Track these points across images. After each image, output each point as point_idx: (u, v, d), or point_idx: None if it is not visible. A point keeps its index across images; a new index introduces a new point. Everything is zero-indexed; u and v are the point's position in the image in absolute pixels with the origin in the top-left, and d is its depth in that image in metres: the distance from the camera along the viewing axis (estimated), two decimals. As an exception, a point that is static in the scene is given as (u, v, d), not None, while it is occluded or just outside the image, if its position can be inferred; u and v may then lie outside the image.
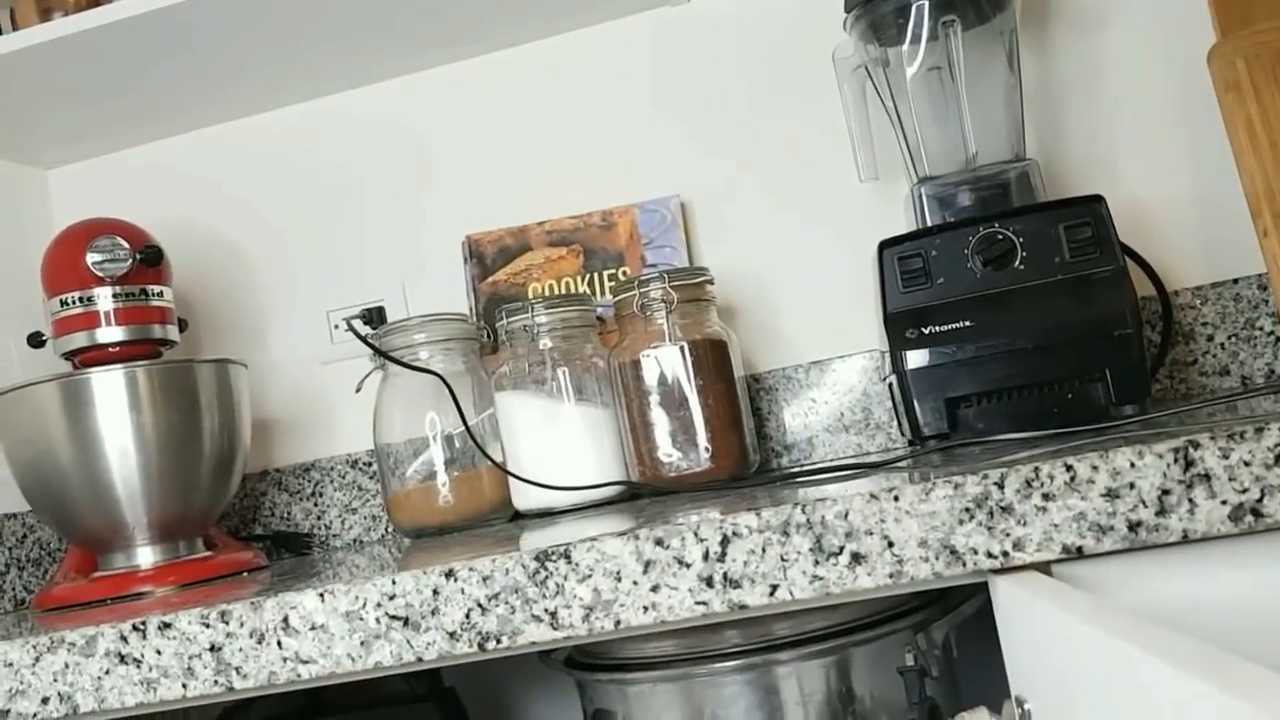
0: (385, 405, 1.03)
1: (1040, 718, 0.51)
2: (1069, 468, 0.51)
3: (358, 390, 1.03)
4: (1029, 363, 0.80)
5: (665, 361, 0.95)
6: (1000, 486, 0.51)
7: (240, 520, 1.20)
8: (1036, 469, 0.51)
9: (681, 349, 0.95)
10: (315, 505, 1.19)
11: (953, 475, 0.53)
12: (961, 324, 0.81)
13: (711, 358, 0.96)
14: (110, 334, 0.95)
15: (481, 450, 0.98)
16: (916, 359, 0.83)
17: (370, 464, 1.18)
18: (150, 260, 0.95)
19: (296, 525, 1.19)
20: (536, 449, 0.97)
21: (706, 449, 0.95)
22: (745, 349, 1.11)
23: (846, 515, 0.53)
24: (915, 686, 0.79)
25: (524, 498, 0.98)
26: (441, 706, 0.96)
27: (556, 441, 0.97)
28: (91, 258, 0.93)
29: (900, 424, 0.92)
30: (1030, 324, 0.80)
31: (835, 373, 1.08)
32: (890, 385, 0.90)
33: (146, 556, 0.95)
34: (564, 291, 1.10)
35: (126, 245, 0.94)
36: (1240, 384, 1.00)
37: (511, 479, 0.98)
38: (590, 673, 0.85)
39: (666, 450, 0.95)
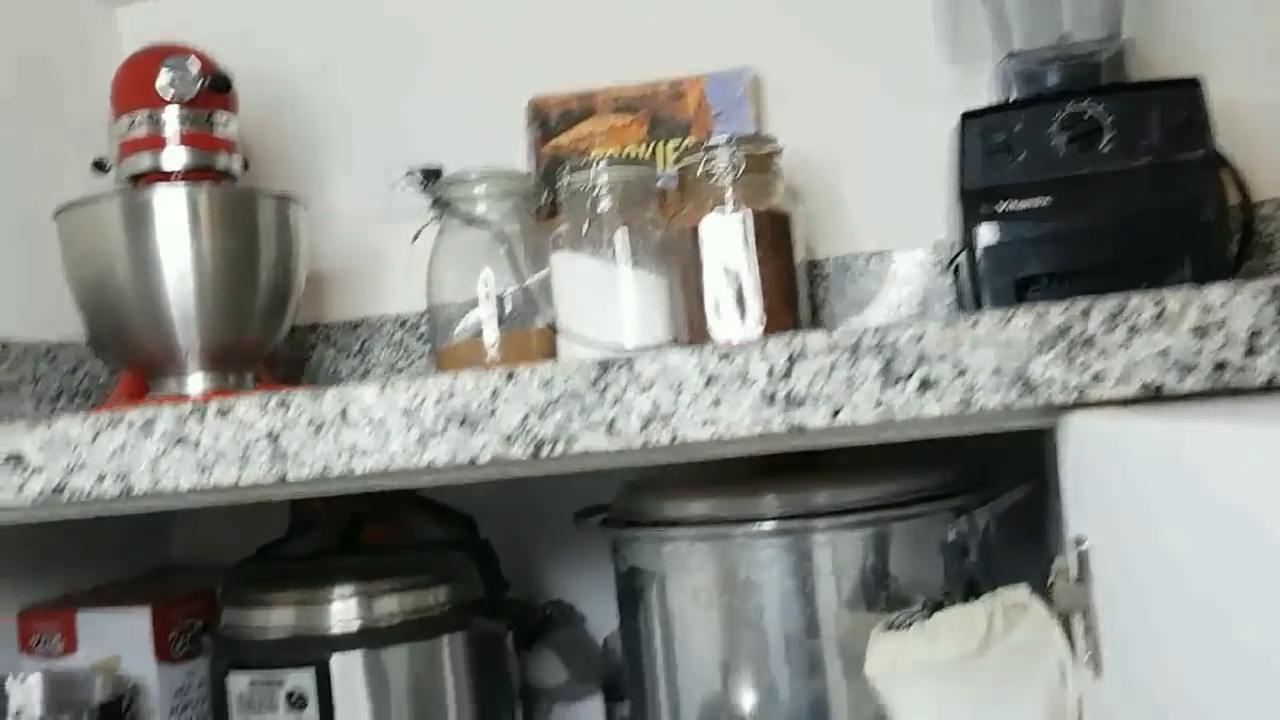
0: (439, 262, 1.03)
1: (1100, 554, 0.50)
2: (1158, 302, 0.49)
3: (414, 240, 1.03)
4: (1107, 245, 0.78)
5: (726, 230, 0.94)
6: (1085, 316, 0.50)
7: (287, 370, 1.21)
8: (1123, 303, 0.50)
9: (744, 219, 0.94)
10: (361, 363, 1.20)
11: (1035, 306, 0.51)
12: (1039, 201, 0.79)
13: (772, 230, 0.95)
14: (175, 156, 0.94)
15: (535, 303, 0.97)
16: (988, 235, 0.81)
17: (418, 326, 1.18)
18: (219, 86, 0.94)
19: (341, 381, 1.20)
20: (588, 311, 0.96)
21: (760, 322, 0.94)
22: (806, 234, 1.10)
23: (920, 339, 0.52)
24: (955, 561, 0.78)
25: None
26: (476, 554, 0.97)
27: (609, 304, 0.96)
28: (161, 78, 0.93)
29: (963, 310, 0.90)
30: (1111, 206, 0.78)
31: (895, 265, 1.06)
32: (956, 268, 0.89)
33: (197, 384, 0.96)
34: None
35: (197, 66, 0.93)
36: (1314, 303, 0.97)
37: (560, 342, 0.97)
38: (626, 529, 0.86)
39: (718, 321, 0.94)
